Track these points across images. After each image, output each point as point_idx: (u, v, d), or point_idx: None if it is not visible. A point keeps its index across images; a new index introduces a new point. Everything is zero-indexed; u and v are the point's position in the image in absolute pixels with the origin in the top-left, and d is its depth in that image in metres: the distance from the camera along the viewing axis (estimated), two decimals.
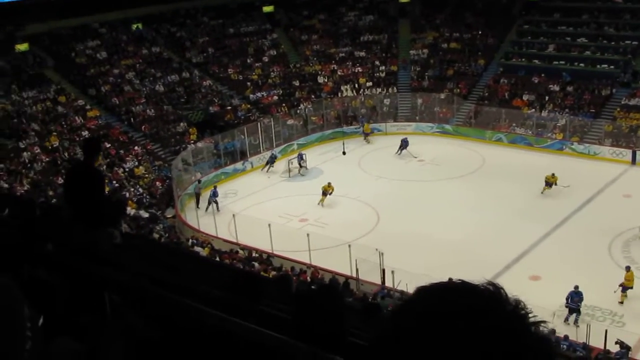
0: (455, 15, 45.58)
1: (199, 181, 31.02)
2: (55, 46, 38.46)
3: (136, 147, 33.51)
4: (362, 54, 44.71)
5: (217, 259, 21.34)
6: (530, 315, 1.02)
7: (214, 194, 28.85)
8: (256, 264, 21.94)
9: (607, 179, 30.00)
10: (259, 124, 36.56)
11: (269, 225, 23.26)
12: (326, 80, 42.78)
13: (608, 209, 26.17)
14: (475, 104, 39.12)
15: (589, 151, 33.84)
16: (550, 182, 28.04)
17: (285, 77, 42.52)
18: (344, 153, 35.60)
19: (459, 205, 27.28)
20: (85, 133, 32.54)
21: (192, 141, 35.07)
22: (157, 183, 31.43)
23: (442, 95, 40.33)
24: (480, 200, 27.78)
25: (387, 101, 41.35)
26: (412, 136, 36.87)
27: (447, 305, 1.00)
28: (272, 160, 33.55)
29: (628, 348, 16.62)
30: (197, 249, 23.03)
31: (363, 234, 25.02)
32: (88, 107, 35.42)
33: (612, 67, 37.85)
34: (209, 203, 28.79)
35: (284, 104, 40.17)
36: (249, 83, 41.33)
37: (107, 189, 23.85)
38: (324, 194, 28.47)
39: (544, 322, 1.02)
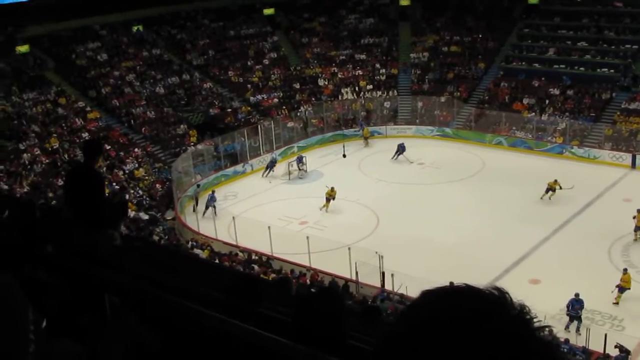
0: (455, 19, 45.63)
1: (198, 185, 31.01)
2: (56, 48, 38.50)
3: (136, 149, 33.52)
4: (363, 56, 44.76)
5: (217, 261, 21.35)
6: (535, 320, 1.02)
7: (212, 199, 28.79)
8: (256, 267, 21.94)
9: (607, 183, 30.00)
10: (259, 126, 36.59)
11: (269, 227, 23.24)
12: (326, 83, 42.82)
13: (608, 213, 26.16)
14: (476, 108, 39.15)
15: (589, 155, 33.85)
16: (553, 188, 27.80)
17: (285, 80, 42.55)
18: (344, 156, 35.60)
19: (459, 208, 27.28)
20: (86, 135, 32.54)
21: (192, 143, 35.07)
22: (157, 185, 31.42)
23: (443, 99, 40.35)
24: (480, 203, 27.78)
25: (387, 104, 41.39)
26: (412, 139, 36.90)
27: (452, 309, 1.00)
28: (272, 165, 33.44)
29: (628, 352, 16.61)
30: (197, 251, 23.04)
31: (363, 237, 24.99)
32: (88, 109, 35.43)
33: (612, 70, 37.87)
34: (207, 207, 28.73)
35: (284, 107, 40.20)
36: (249, 85, 41.36)
37: (107, 191, 23.84)
38: (328, 200, 28.17)
39: (549, 326, 1.02)
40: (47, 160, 30.55)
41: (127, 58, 40.21)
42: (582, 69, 38.77)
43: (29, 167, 29.77)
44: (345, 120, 40.18)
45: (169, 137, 35.61)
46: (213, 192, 29.52)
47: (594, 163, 33.14)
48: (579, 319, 18.86)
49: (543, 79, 39.33)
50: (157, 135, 35.45)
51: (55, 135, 32.39)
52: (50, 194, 27.16)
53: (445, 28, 45.44)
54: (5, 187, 27.39)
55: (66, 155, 31.14)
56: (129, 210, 26.66)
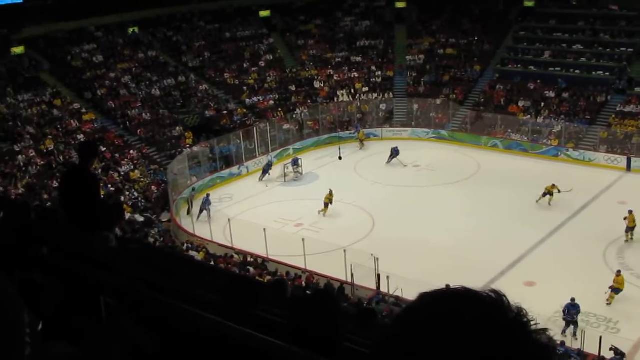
0: (451, 21, 45.73)
1: (193, 189, 30.95)
2: (51, 49, 38.43)
3: (132, 151, 33.47)
4: (359, 59, 44.78)
5: (212, 263, 21.33)
6: (532, 322, 1.02)
7: (207, 202, 28.71)
8: (251, 269, 21.93)
9: (602, 186, 30.07)
10: (255, 128, 36.57)
11: (264, 229, 23.19)
12: (322, 85, 42.83)
13: (603, 216, 26.20)
14: (471, 110, 39.21)
15: (584, 158, 33.91)
16: (551, 192, 27.66)
17: (281, 82, 42.55)
18: (340, 158, 35.59)
19: (455, 210, 27.30)
20: (81, 137, 32.48)
21: (187, 145, 35.03)
22: (153, 187, 31.36)
23: (438, 101, 40.41)
24: (475, 206, 27.81)
25: (383, 106, 41.42)
26: (408, 142, 36.94)
27: (449, 311, 1.00)
28: (267, 168, 33.31)
29: (622, 354, 16.64)
30: (192, 253, 23.01)
31: (358, 239, 24.99)
32: (84, 110, 35.37)
33: (607, 73, 37.99)
34: (201, 211, 28.64)
35: (280, 109, 40.19)
36: (245, 87, 41.35)
37: (102, 193, 23.80)
38: (327, 205, 27.97)
39: (546, 329, 1.03)
40: (42, 162, 30.47)
41: (123, 60, 40.15)
42: (577, 71, 38.87)
43: (24, 168, 29.71)
44: (341, 123, 40.18)
45: (165, 139, 35.56)
46: (208, 195, 29.36)
47: (589, 166, 33.21)
48: (575, 324, 18.88)
49: (539, 81, 39.42)
50: (153, 137, 35.40)
51: (50, 137, 32.32)
52: (46, 196, 27.09)
53: (441, 31, 45.53)
54: (0, 188, 27.32)
55: (61, 157, 31.08)
56: (125, 212, 26.62)
